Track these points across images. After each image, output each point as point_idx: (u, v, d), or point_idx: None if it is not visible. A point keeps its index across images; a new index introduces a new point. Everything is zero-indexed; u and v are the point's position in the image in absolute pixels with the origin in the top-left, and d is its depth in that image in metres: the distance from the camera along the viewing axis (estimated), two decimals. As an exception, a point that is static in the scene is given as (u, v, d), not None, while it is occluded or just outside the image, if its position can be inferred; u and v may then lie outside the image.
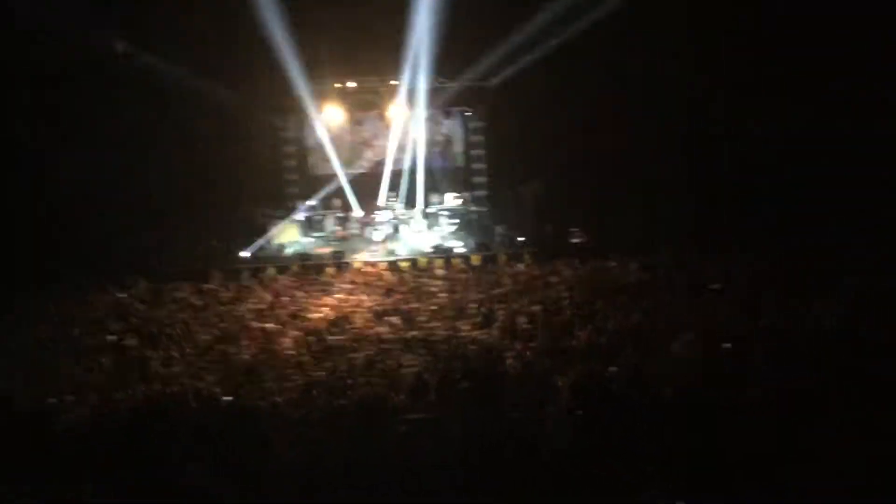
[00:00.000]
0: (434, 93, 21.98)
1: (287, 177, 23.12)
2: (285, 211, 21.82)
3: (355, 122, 23.05)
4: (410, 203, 22.02)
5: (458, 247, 19.35)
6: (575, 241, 19.16)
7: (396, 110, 22.01)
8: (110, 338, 13.70)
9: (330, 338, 13.18)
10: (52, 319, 14.91)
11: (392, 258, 18.54)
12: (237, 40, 19.51)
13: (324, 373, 11.30)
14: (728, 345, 8.60)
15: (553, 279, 15.63)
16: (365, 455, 4.21)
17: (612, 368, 7.83)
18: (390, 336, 13.23)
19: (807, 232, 15.79)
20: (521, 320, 13.33)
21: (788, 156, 17.91)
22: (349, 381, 10.75)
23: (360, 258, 18.54)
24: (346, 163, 23.49)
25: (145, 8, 18.49)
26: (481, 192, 22.91)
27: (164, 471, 3.75)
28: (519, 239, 19.50)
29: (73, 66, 18.19)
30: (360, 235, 21.35)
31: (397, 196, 21.68)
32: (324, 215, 21.87)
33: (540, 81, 19.96)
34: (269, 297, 16.05)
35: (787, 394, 4.54)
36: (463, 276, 16.72)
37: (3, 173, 18.35)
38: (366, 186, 22.67)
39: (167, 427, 4.46)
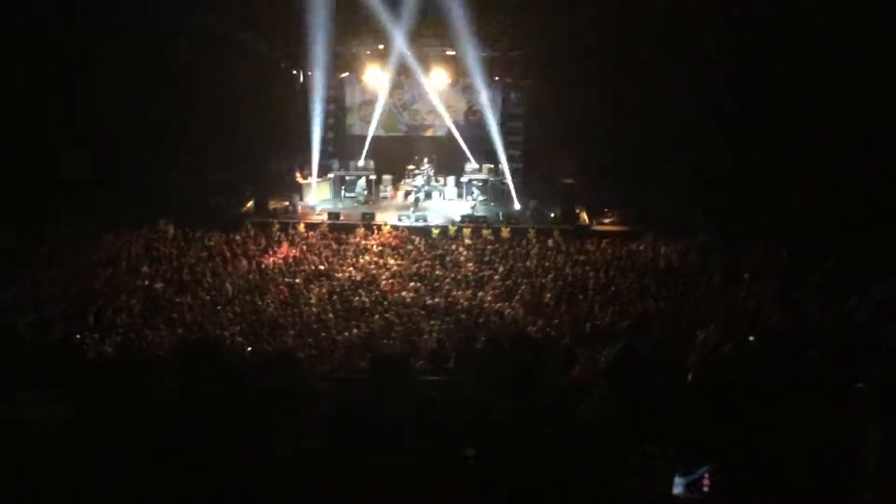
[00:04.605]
0: (476, 61, 21.78)
1: (324, 135, 23.11)
2: (319, 169, 21.86)
3: (395, 86, 22.94)
4: (444, 170, 21.94)
5: (489, 218, 19.30)
6: (606, 221, 19.04)
7: (437, 76, 21.86)
8: (140, 282, 13.94)
9: (354, 298, 13.29)
10: (85, 257, 15.17)
11: (422, 224, 18.54)
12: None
13: (346, 332, 11.43)
14: (753, 338, 8.51)
15: (580, 258, 15.59)
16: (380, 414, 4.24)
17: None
18: (414, 301, 13.32)
19: (848, 223, 15.50)
20: (546, 296, 13.35)
21: (834, 143, 17.53)
22: (370, 342, 10.87)
23: (390, 221, 18.56)
24: (384, 125, 23.46)
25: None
26: (516, 165, 22.75)
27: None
28: (550, 215, 19.41)
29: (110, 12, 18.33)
30: (392, 199, 21.36)
31: (432, 162, 21.60)
32: (357, 176, 21.87)
33: (582, 58, 19.69)
34: (296, 252, 16.18)
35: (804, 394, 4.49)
36: (491, 247, 16.69)
37: (41, 113, 18.67)
38: (401, 150, 22.63)
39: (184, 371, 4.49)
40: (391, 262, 15.74)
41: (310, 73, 21.98)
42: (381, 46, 21.53)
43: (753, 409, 4.01)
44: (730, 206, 17.41)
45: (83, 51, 18.65)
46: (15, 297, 12.64)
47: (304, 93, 22.35)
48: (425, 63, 21.62)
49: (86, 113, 18.77)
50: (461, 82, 22.59)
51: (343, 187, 21.86)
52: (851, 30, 16.72)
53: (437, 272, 15.10)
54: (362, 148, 22.61)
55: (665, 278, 14.18)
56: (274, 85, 21.29)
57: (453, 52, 21.41)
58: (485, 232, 17.87)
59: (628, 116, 19.34)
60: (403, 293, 13.73)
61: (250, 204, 19.72)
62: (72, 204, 17.29)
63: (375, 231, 17.90)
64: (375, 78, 21.91)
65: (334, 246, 16.79)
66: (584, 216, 19.22)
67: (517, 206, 20.50)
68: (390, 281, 14.46)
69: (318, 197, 20.89)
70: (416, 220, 18.76)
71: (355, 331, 11.48)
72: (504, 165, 22.05)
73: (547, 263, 15.36)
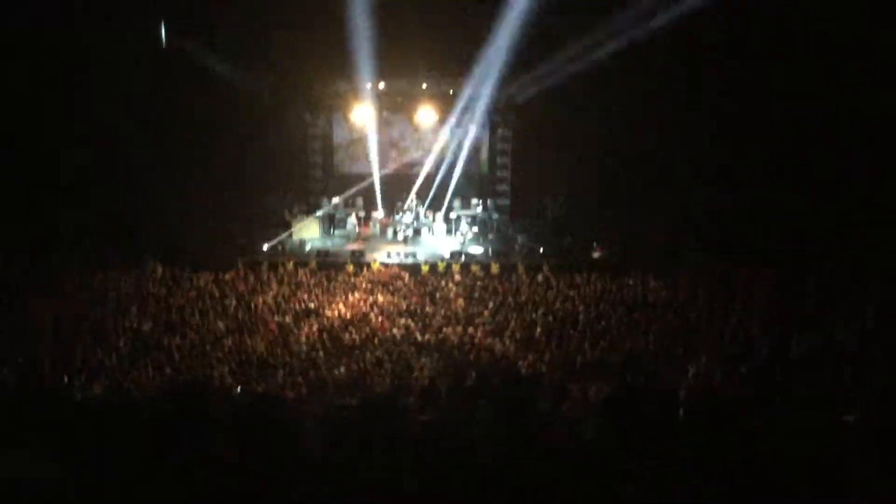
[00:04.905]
0: (464, 99, 21.99)
1: (312, 173, 23.22)
2: (308, 207, 21.89)
3: (384, 123, 23.10)
4: (433, 207, 22.01)
5: (478, 254, 19.34)
6: (595, 255, 19.09)
7: (425, 114, 22.05)
8: (128, 323, 13.83)
9: (345, 336, 13.22)
10: (73, 298, 15.07)
11: (411, 261, 18.55)
12: (271, 35, 19.69)
13: (336, 371, 11.35)
14: (744, 370, 8.53)
15: (570, 292, 15.59)
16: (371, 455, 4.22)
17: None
18: (405, 338, 13.26)
19: (831, 245, 15.67)
20: (536, 331, 13.32)
21: (832, 154, 17.79)
22: (361, 381, 10.80)
23: (379, 259, 18.56)
24: (372, 163, 23.58)
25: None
26: (504, 201, 22.90)
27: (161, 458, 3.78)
28: (539, 250, 19.45)
29: (110, 53, 18.50)
30: (382, 236, 21.38)
31: (421, 199, 21.69)
32: (346, 214, 21.92)
33: (568, 96, 19.91)
34: (286, 291, 16.12)
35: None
36: (480, 283, 16.69)
37: (35, 150, 18.78)
38: (390, 187, 22.71)
39: (173, 415, 4.47)
40: (381, 299, 15.70)
41: (301, 113, 22.23)
42: (368, 85, 21.73)
43: (746, 443, 4.01)
44: (722, 227, 17.62)
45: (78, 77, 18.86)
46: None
47: (293, 132, 22.55)
48: (413, 101, 21.82)
49: (73, 155, 18.95)
50: (449, 119, 22.77)
51: (332, 225, 21.89)
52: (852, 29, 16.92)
53: (428, 309, 15.06)
54: (351, 185, 22.72)
55: (654, 311, 14.19)
56: (263, 124, 21.43)
57: (442, 90, 21.65)
58: (474, 268, 17.88)
59: (612, 154, 19.58)
60: (394, 330, 13.68)
61: (238, 243, 19.64)
62: (63, 239, 17.33)
63: (365, 268, 17.89)
64: (362, 116, 22.08)
65: (324, 283, 16.75)
66: (572, 250, 19.27)
67: (506, 241, 20.56)
68: (380, 318, 14.40)
69: (307, 235, 20.88)
70: (406, 257, 18.77)
71: (343, 369, 11.40)
72: (493, 202, 22.21)
73: (537, 298, 15.35)
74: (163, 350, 12.50)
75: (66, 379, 10.70)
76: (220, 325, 13.92)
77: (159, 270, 16.97)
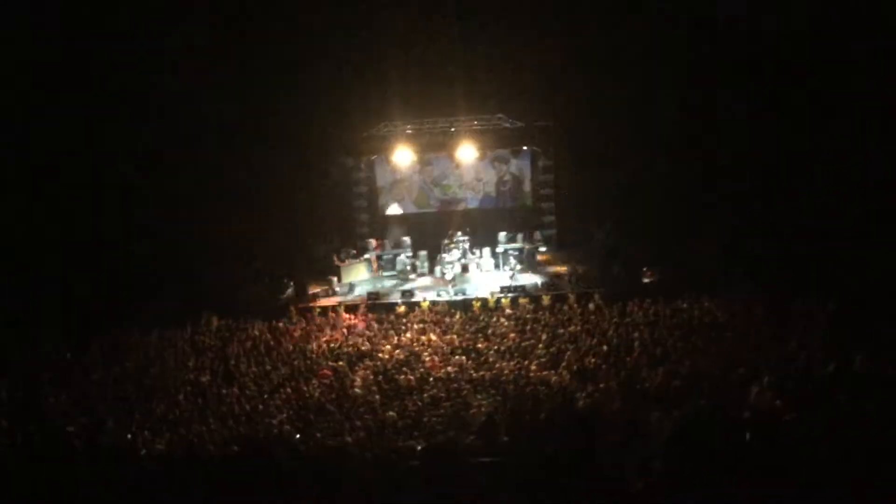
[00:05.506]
0: (503, 132, 22.12)
1: (358, 216, 23.48)
2: (355, 250, 22.09)
3: (425, 163, 23.30)
4: (479, 242, 22.02)
5: (527, 286, 19.24)
6: (646, 280, 18.85)
7: (465, 150, 22.18)
8: (187, 376, 14.07)
9: (399, 377, 13.23)
10: (129, 356, 15.37)
11: (461, 297, 18.53)
12: (312, 83, 20.15)
13: (392, 412, 11.35)
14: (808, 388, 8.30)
15: (625, 319, 15.39)
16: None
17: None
18: (459, 375, 13.21)
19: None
20: (591, 361, 13.16)
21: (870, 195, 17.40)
22: (418, 421, 10.78)
23: (429, 297, 18.59)
24: (416, 202, 23.76)
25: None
26: (550, 232, 22.84)
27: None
28: (589, 278, 19.29)
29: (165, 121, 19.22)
30: (430, 274, 21.43)
31: (466, 235, 21.71)
32: (394, 254, 22.06)
33: (609, 121, 19.90)
34: (338, 335, 16.24)
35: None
36: (531, 315, 16.58)
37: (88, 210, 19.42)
38: (435, 226, 22.83)
39: (241, 466, 4.53)
40: (433, 337, 15.69)
41: (344, 158, 22.62)
42: (408, 129, 21.99)
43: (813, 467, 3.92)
44: (764, 260, 17.29)
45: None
46: (66, 401, 12.83)
47: (337, 176, 22.95)
48: (453, 138, 21.99)
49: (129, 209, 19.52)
50: (489, 154, 22.92)
51: (380, 266, 22.05)
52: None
53: (480, 345, 15.00)
54: (396, 226, 22.92)
55: (711, 333, 13.92)
56: (308, 170, 21.86)
57: (480, 126, 21.81)
58: (524, 301, 17.79)
59: (658, 178, 19.43)
60: (448, 368, 13.64)
61: (290, 291, 19.93)
62: (117, 302, 17.73)
63: (415, 308, 17.92)
64: (404, 157, 22.30)
65: (375, 326, 16.83)
66: (623, 276, 19.06)
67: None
68: (433, 356, 14.39)
69: (356, 278, 21.05)
70: (455, 294, 18.77)
71: (391, 413, 11.36)
72: (539, 233, 22.18)
73: (589, 327, 15.18)
74: (222, 401, 12.66)
75: (129, 435, 10.89)
76: (278, 372, 14.08)
77: (214, 322, 17.25)
